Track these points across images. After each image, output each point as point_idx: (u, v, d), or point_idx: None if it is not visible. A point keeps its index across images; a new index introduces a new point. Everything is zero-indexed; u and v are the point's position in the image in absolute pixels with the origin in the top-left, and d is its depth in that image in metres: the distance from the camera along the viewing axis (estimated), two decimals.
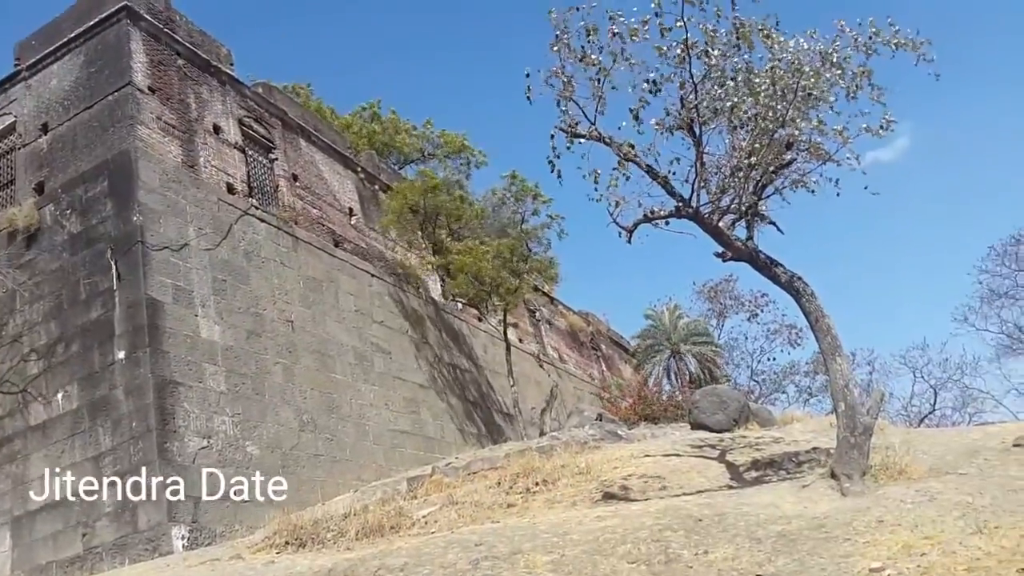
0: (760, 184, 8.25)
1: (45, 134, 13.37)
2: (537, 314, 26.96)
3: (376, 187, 19.89)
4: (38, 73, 13.81)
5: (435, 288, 20.38)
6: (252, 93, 16.08)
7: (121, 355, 11.15)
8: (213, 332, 12.33)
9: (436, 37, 76.11)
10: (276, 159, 16.06)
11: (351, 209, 18.25)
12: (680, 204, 7.95)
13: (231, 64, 15.61)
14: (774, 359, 35.22)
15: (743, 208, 8.18)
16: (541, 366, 24.80)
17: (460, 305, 20.91)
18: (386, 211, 19.10)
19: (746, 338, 35.68)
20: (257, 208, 14.62)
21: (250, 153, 15.34)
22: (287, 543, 8.21)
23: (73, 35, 13.54)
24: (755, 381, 35.00)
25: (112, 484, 10.56)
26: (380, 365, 16.47)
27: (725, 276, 34.06)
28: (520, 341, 23.87)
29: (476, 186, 24.89)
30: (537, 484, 9.04)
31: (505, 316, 20.41)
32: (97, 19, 13.35)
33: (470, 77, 77.93)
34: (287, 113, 17.01)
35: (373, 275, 17.77)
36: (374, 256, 18.22)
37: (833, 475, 7.04)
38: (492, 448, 12.69)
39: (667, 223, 8.16)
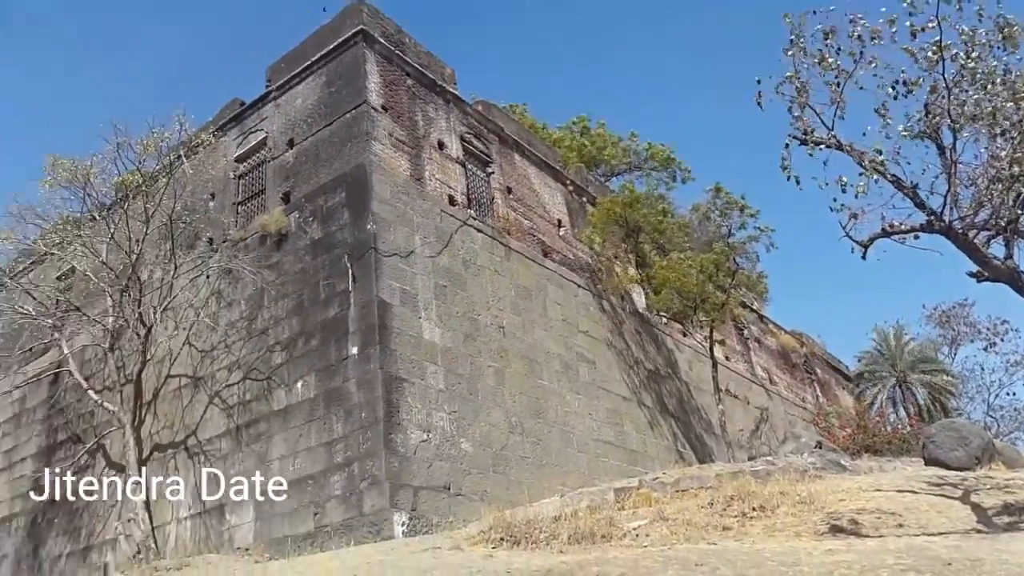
0: (1023, 198, 7.45)
1: (291, 148, 14.73)
2: (746, 332, 25.99)
3: (584, 199, 20.12)
4: (285, 93, 15.26)
5: (639, 300, 20.24)
6: (472, 111, 16.86)
7: (354, 351, 12.02)
8: (434, 334, 13.01)
9: (649, 49, 75.91)
10: (492, 173, 16.73)
11: (559, 221, 18.59)
12: (932, 218, 7.33)
13: (454, 83, 16.47)
14: (1014, 394, 31.64)
15: (1002, 223, 7.41)
16: (750, 387, 23.86)
17: (664, 319, 20.62)
18: (591, 223, 19.28)
19: (982, 369, 32.37)
20: (474, 219, 15.29)
21: (469, 167, 16.09)
22: (502, 539, 8.44)
23: (315, 58, 14.82)
24: (991, 417, 31.63)
25: (341, 468, 11.40)
26: (585, 374, 16.60)
27: (959, 300, 31.12)
28: (727, 359, 23.12)
29: (682, 199, 24.50)
30: (754, 509, 8.68)
31: (711, 332, 19.86)
32: (336, 43, 14.54)
33: (677, 88, 76.93)
34: (503, 129, 17.67)
35: (579, 285, 17.97)
36: (580, 267, 18.42)
37: None
38: (701, 467, 12.37)
39: (916, 237, 7.55)
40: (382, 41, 14.70)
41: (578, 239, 18.89)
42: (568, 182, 19.69)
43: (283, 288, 13.53)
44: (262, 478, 12.30)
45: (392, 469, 11.05)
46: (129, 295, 14.18)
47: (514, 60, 76.59)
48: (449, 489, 11.83)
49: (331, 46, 14.61)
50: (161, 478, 13.87)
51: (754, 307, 26.48)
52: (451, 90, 16.23)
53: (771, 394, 25.43)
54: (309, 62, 14.91)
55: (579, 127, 28.47)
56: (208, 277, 14.57)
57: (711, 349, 19.83)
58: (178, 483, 13.46)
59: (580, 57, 75.58)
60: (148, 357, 14.03)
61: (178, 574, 10.30)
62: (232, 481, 12.67)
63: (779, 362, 27.85)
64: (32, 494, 16.60)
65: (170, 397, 14.45)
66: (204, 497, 13.01)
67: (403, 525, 10.78)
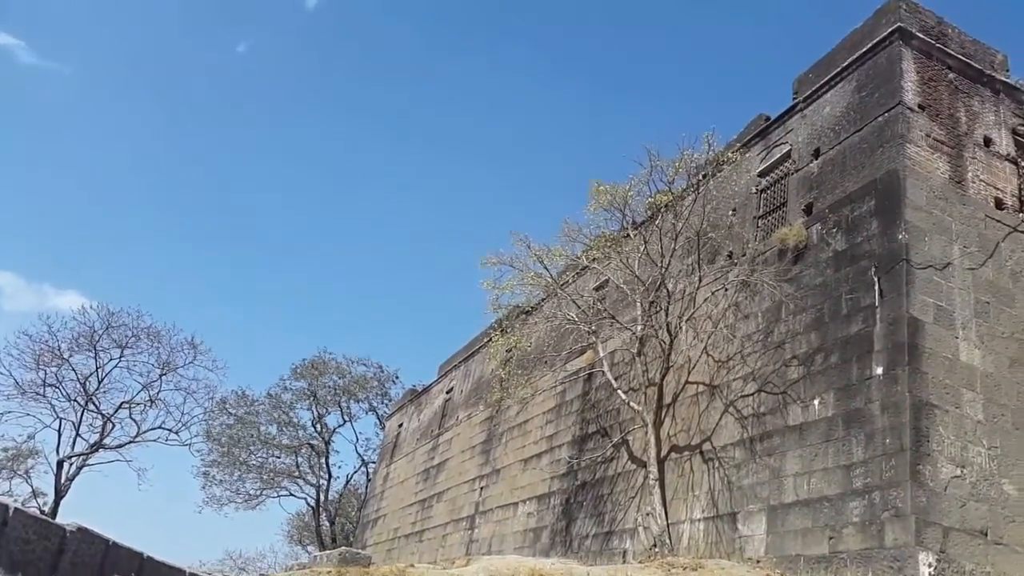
0: None
1: (816, 159, 14.46)
2: None
3: None
4: (812, 103, 15.02)
5: None
6: None
7: (879, 371, 11.31)
8: (973, 356, 11.57)
9: None
10: None
11: None
12: None
13: (1006, 70, 14.41)
14: None
15: None
16: None
17: None
18: None
19: None
20: None
21: (1022, 164, 13.92)
22: None
23: (845, 63, 14.29)
24: None
25: (860, 495, 10.82)
26: None
27: None
28: None
29: None
30: None
31: None
32: (869, 45, 13.83)
33: None
34: None
35: None
36: None
37: None
38: None
39: None
40: (921, 36, 13.60)
41: None
42: None
43: (801, 302, 13.39)
44: (776, 492, 12.38)
45: (918, 503, 10.13)
46: (656, 305, 15.49)
47: None
48: (987, 535, 10.41)
49: (864, 49, 14.00)
50: (678, 477, 14.88)
51: None
52: (1001, 78, 14.25)
53: None
54: (839, 68, 14.49)
55: None
56: (727, 290, 15.16)
57: None
58: (694, 485, 14.29)
59: None
60: (670, 363, 15.12)
61: (692, 573, 10.88)
62: (745, 490, 13.00)
63: None
64: (566, 476, 19.31)
65: (688, 402, 15.38)
66: (717, 502, 13.59)
67: (930, 567, 9.80)
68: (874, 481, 10.73)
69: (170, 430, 36.12)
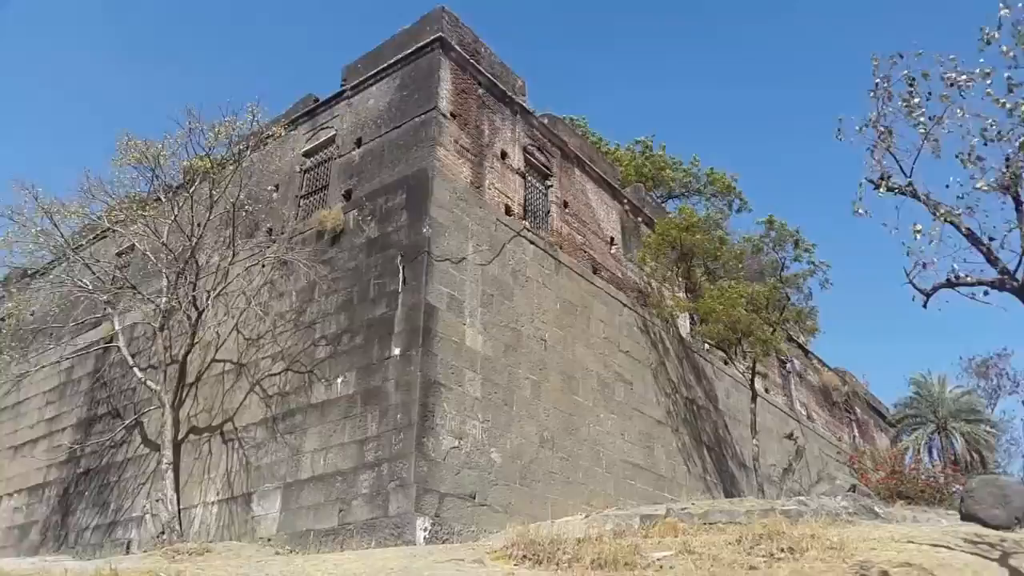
0: None
1: (358, 147, 15.00)
2: (788, 365, 25.64)
3: (639, 219, 20.10)
4: (359, 93, 15.55)
5: (684, 325, 20.13)
6: (538, 123, 16.98)
7: (396, 351, 12.17)
8: (476, 341, 13.11)
9: (718, 77, 75.34)
10: (551, 186, 16.83)
11: (612, 239, 18.58)
12: (1004, 276, 7.19)
13: (524, 95, 16.61)
14: None
15: None
16: (787, 422, 23.52)
17: (707, 346, 20.47)
18: (645, 244, 19.24)
19: (1023, 423, 31.47)
20: (528, 230, 15.39)
21: (529, 179, 16.20)
22: (524, 557, 8.44)
23: (391, 61, 15.08)
24: None
25: (371, 468, 11.51)
26: (621, 394, 16.56)
27: (999, 350, 30.33)
28: (767, 391, 22.84)
29: (735, 229, 24.40)
30: (782, 550, 8.55)
31: (754, 365, 19.66)
32: (414, 48, 14.78)
33: (745, 116, 76.19)
34: (567, 144, 17.75)
35: (625, 305, 17.94)
36: (628, 287, 18.39)
37: None
38: (732, 501, 12.25)
39: (985, 292, 7.41)
40: (458, 49, 14.91)
41: (629, 259, 18.87)
42: (625, 201, 19.69)
43: (334, 284, 13.77)
44: (293, 469, 12.52)
45: (420, 473, 11.14)
46: (185, 278, 14.51)
47: (582, 75, 76.66)
48: (475, 498, 11.89)
49: (408, 51, 14.87)
50: (195, 460, 14.20)
51: (800, 341, 26.12)
52: (519, 101, 16.38)
53: (808, 431, 25.03)
54: (385, 64, 15.18)
55: (641, 146, 28.50)
56: (263, 267, 14.89)
57: (752, 381, 19.62)
58: (211, 467, 13.77)
59: (647, 82, 75.39)
60: (196, 340, 14.35)
61: (199, 559, 10.41)
62: (263, 470, 12.92)
63: (819, 399, 27.42)
64: (67, 464, 17.12)
65: (212, 381, 14.78)
66: (233, 484, 13.29)
67: (425, 531, 10.84)
68: (384, 454, 11.49)
69: None
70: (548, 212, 16.49)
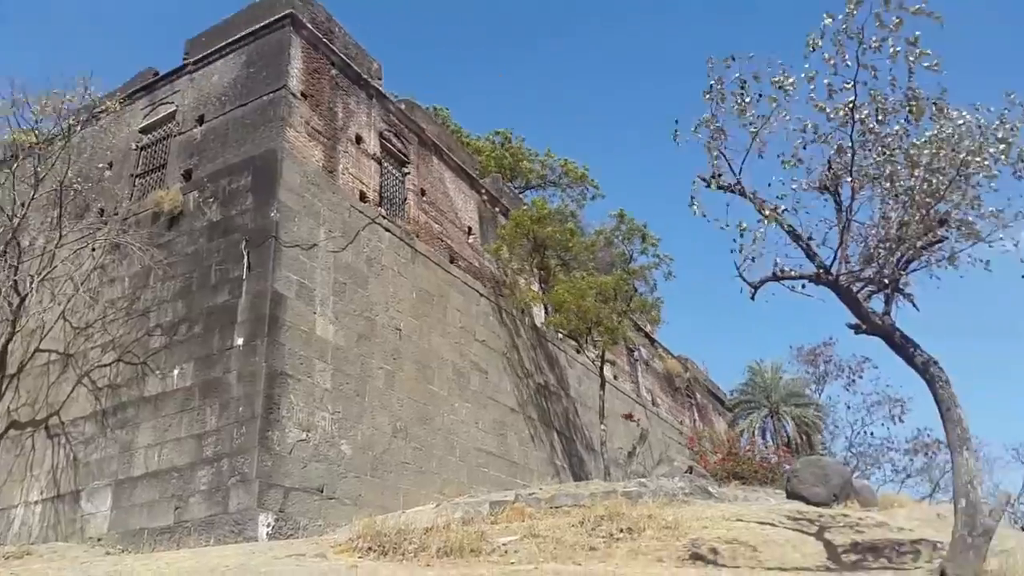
0: (905, 259, 7.91)
1: (200, 125, 14.22)
2: (635, 353, 26.68)
3: (497, 209, 20.25)
4: (202, 68, 14.74)
5: (538, 314, 20.50)
6: (395, 108, 16.71)
7: (240, 341, 11.65)
8: (327, 331, 12.77)
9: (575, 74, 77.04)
10: (408, 173, 16.63)
11: (470, 228, 18.63)
12: (821, 271, 7.71)
13: (380, 79, 16.29)
14: (872, 433, 33.54)
15: (884, 281, 7.86)
16: (633, 407, 24.48)
17: (560, 335, 20.96)
18: (500, 234, 19.42)
19: (848, 407, 34.29)
20: (384, 218, 15.14)
21: (385, 165, 15.93)
22: (369, 548, 8.32)
23: (238, 36, 14.38)
24: (852, 453, 33.49)
25: (210, 463, 10.99)
26: (476, 383, 16.67)
27: (824, 340, 32.91)
28: (615, 378, 23.66)
29: (591, 218, 25.11)
30: (621, 531, 8.90)
31: (603, 353, 20.30)
32: (263, 23, 14.16)
33: (598, 116, 78.43)
34: (424, 131, 17.58)
35: (481, 294, 18.05)
36: (485, 276, 18.51)
37: (943, 573, 6.65)
38: (578, 485, 12.59)
39: (803, 286, 7.93)
40: (310, 27, 14.40)
41: (487, 249, 18.98)
42: (483, 191, 19.77)
43: (172, 269, 13.01)
44: (125, 466, 11.80)
45: (264, 467, 10.75)
46: (5, 260, 13.36)
47: (444, 64, 76.37)
48: (322, 491, 11.61)
49: (257, 26, 14.21)
50: (15, 457, 13.11)
51: (647, 330, 27.23)
52: (375, 85, 16.04)
53: (652, 416, 26.17)
54: (231, 39, 14.45)
55: (501, 138, 28.74)
56: (93, 250, 13.87)
57: (601, 369, 20.26)
58: (34, 465, 12.76)
59: (513, 77, 76.14)
60: (18, 328, 13.23)
61: (16, 562, 9.63)
62: (92, 466, 12.10)
63: (663, 385, 28.73)
64: None
65: (36, 373, 13.67)
66: (59, 482, 12.37)
67: (268, 526, 10.47)
68: (224, 449, 11.00)
69: None
70: (405, 200, 16.30)
